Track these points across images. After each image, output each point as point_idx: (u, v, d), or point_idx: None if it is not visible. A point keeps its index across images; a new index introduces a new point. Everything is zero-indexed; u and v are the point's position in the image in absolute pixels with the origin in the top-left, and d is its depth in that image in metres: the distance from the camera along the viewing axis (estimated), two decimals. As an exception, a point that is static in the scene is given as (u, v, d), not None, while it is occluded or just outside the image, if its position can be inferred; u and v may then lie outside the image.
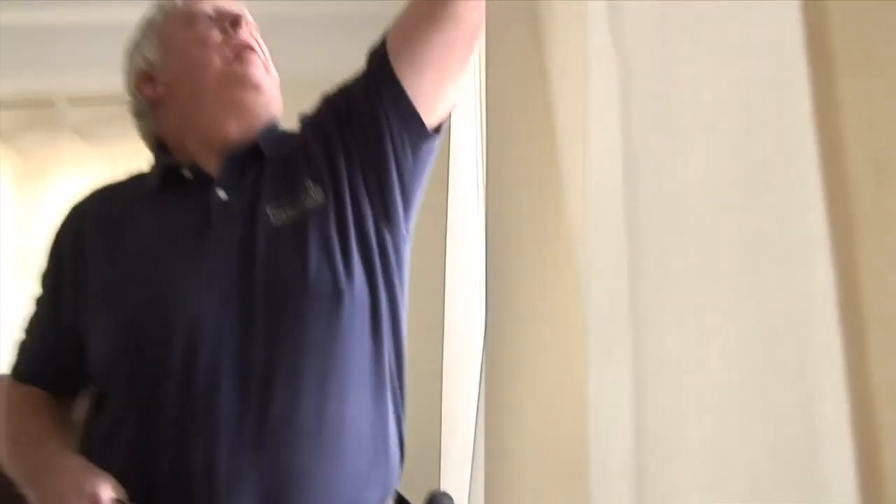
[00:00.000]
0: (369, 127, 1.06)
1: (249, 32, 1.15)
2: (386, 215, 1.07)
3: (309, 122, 1.14)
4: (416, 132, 1.06)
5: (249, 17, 1.19)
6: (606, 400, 0.39)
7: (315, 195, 1.04)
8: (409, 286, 1.12)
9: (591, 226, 0.43)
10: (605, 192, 0.40)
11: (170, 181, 1.11)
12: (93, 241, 1.10)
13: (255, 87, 1.11)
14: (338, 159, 1.06)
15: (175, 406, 0.95)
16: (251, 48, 1.13)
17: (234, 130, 1.10)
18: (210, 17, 1.14)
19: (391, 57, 1.04)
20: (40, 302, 1.14)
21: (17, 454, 1.04)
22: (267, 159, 1.08)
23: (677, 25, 0.38)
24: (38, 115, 2.60)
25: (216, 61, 1.11)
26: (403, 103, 1.04)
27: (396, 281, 1.07)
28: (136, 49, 1.19)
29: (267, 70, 1.15)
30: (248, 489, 0.92)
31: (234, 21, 1.13)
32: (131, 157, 2.50)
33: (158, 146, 1.15)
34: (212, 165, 1.09)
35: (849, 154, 0.39)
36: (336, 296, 0.98)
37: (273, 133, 1.13)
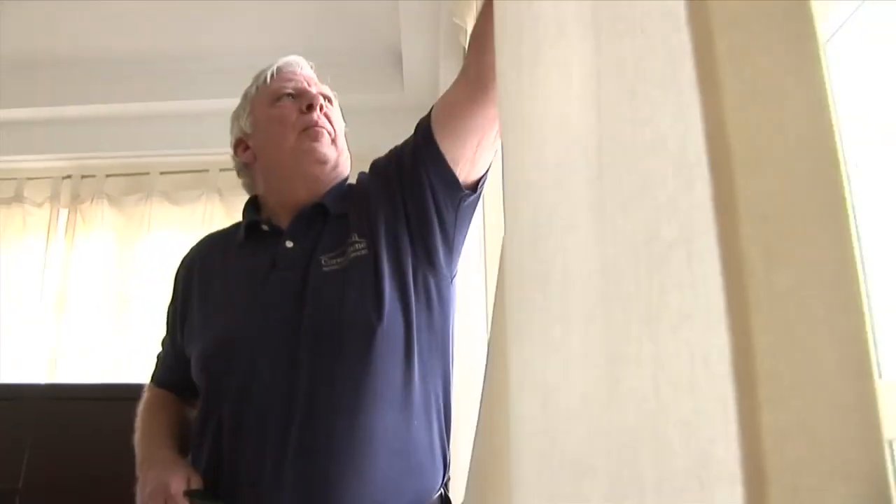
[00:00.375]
0: (415, 186, 1.20)
1: (322, 110, 1.31)
2: (429, 261, 1.20)
3: (365, 181, 1.29)
4: (455, 191, 1.19)
5: (326, 93, 1.35)
6: (522, 429, 0.47)
7: (359, 248, 1.18)
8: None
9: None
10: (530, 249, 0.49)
11: (252, 232, 1.29)
12: (196, 281, 1.32)
13: (321, 161, 1.28)
14: (380, 216, 1.20)
15: (234, 420, 1.11)
16: (320, 127, 1.29)
17: (304, 194, 1.28)
18: (291, 96, 1.31)
19: (434, 128, 1.18)
20: (166, 325, 1.37)
21: (138, 443, 1.23)
22: (331, 215, 1.24)
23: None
24: (136, 182, 3.13)
25: (290, 138, 1.28)
26: (444, 168, 1.17)
27: (438, 316, 1.19)
28: (236, 117, 1.40)
29: (334, 143, 1.31)
30: (289, 488, 1.04)
31: (310, 104, 1.30)
32: (202, 215, 2.90)
33: (250, 201, 1.35)
34: (285, 221, 1.26)
35: (743, 240, 0.47)
36: (368, 333, 1.10)
37: (338, 192, 1.29)
